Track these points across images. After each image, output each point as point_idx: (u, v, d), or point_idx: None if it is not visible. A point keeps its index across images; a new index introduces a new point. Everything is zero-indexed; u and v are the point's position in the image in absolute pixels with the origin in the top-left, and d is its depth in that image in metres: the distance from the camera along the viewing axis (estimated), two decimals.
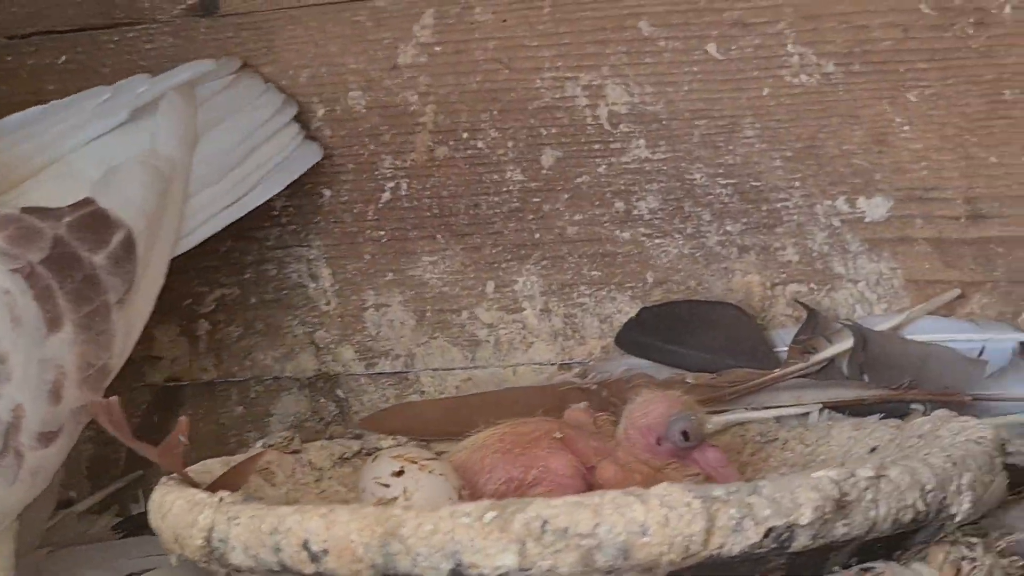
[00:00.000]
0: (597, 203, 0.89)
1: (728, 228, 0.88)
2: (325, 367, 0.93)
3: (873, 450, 0.75)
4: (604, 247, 0.89)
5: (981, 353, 0.82)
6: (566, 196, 0.90)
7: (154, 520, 0.65)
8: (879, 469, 0.57)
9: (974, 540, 0.60)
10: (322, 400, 0.93)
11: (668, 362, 0.87)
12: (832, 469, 0.56)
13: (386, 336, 0.93)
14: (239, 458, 0.75)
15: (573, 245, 0.90)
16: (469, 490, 0.73)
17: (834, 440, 0.78)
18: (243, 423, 0.94)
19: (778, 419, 0.83)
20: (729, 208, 0.87)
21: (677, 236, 0.88)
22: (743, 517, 0.54)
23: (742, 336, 0.86)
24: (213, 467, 0.74)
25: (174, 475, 0.68)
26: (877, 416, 0.82)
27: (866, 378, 0.83)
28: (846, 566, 0.59)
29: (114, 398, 0.67)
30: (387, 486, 0.70)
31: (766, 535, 0.54)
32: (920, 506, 0.58)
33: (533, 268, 0.90)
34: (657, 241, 0.89)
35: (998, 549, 0.61)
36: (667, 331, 0.87)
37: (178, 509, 0.62)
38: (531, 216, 0.90)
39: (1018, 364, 0.82)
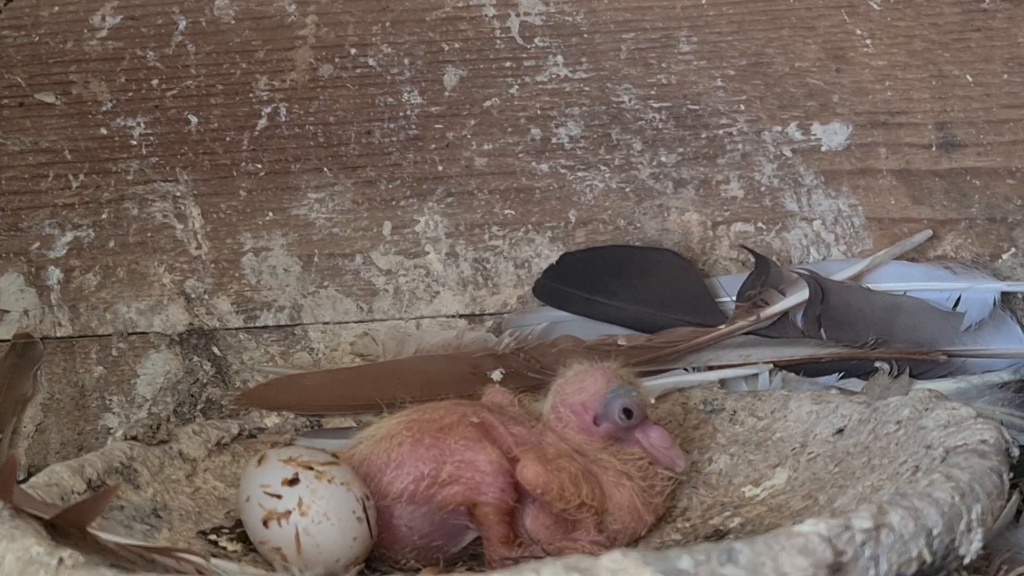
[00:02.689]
0: (510, 130, 0.78)
1: (662, 159, 0.76)
2: (198, 321, 0.81)
3: (840, 431, 0.65)
4: (519, 181, 0.78)
5: (957, 304, 0.72)
6: (473, 122, 0.78)
7: None
8: (878, 517, 0.46)
9: None
10: (196, 359, 0.81)
11: (594, 315, 0.76)
12: (820, 520, 0.45)
13: (268, 285, 0.80)
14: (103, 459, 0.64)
15: (483, 179, 0.78)
16: (372, 490, 0.62)
17: (792, 415, 0.68)
18: (105, 385, 0.82)
19: (723, 381, 0.73)
20: (663, 135, 0.76)
21: (603, 168, 0.77)
22: None
23: (681, 286, 0.75)
24: (61, 476, 0.62)
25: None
26: (836, 377, 0.72)
27: (824, 334, 0.73)
28: None
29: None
30: (278, 496, 0.59)
31: None
32: (926, 555, 0.47)
33: (437, 206, 0.79)
34: (580, 174, 0.77)
35: None
36: (593, 280, 0.76)
37: (10, 566, 0.50)
38: (433, 146, 0.78)
39: (998, 316, 0.73)
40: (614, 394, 0.64)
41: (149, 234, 0.81)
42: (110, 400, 0.82)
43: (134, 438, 0.68)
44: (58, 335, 0.82)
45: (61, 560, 0.49)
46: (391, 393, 0.69)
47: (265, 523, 0.59)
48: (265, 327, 0.81)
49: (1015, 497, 0.55)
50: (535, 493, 0.62)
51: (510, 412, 0.66)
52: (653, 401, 0.68)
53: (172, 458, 0.68)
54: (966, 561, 0.49)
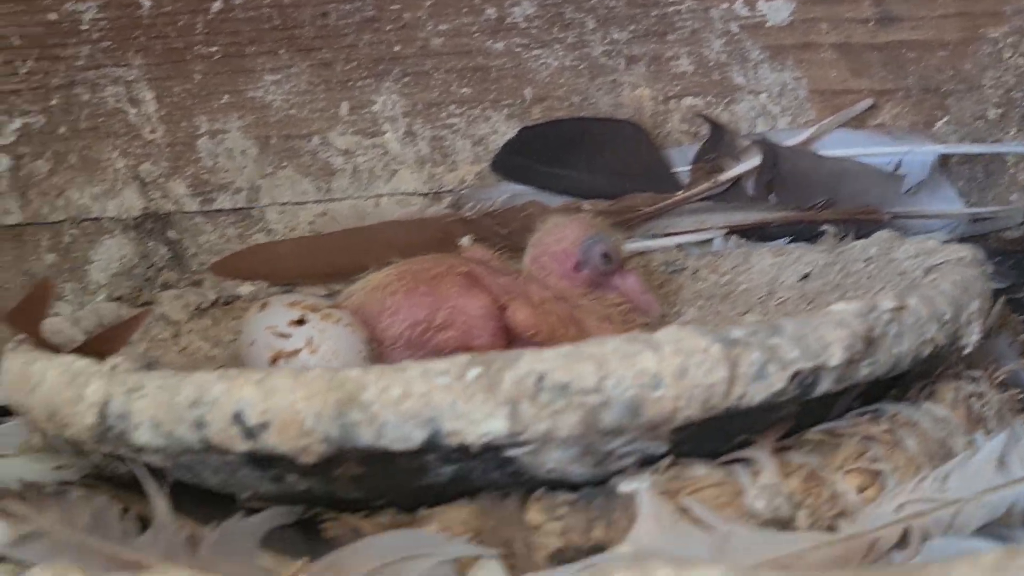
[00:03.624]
0: (465, 10, 0.79)
1: (615, 36, 0.79)
2: (154, 205, 0.81)
3: (806, 276, 0.68)
4: (475, 60, 0.80)
5: (898, 167, 0.76)
6: (429, 3, 0.79)
7: (15, 395, 0.53)
8: (899, 300, 0.49)
9: (976, 374, 0.54)
10: (151, 243, 0.81)
11: (553, 188, 0.78)
12: (850, 302, 0.48)
13: (224, 167, 0.81)
14: (96, 315, 0.64)
15: (439, 59, 0.80)
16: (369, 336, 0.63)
17: (754, 268, 0.71)
18: (56, 273, 0.82)
19: (680, 246, 0.76)
20: (615, 14, 0.79)
21: (557, 47, 0.79)
22: (767, 361, 0.46)
23: (638, 156, 0.78)
24: (60, 327, 0.62)
25: (25, 339, 0.56)
26: (785, 241, 0.76)
27: (775, 198, 0.76)
28: (848, 410, 0.52)
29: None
30: (286, 336, 0.60)
31: (791, 380, 0.46)
32: (940, 339, 0.51)
33: (394, 86, 0.80)
34: (535, 52, 0.79)
35: (997, 382, 0.55)
36: (552, 153, 0.78)
37: (53, 381, 0.51)
38: (389, 26, 0.80)
39: (935, 179, 0.77)
40: (593, 240, 0.67)
41: (101, 119, 0.81)
42: (62, 287, 0.82)
43: (118, 299, 0.69)
44: (7, 223, 0.82)
45: (114, 367, 0.49)
46: (363, 260, 0.71)
47: (273, 362, 0.60)
48: (221, 210, 0.81)
49: (999, 303, 0.59)
50: (526, 335, 0.64)
51: (492, 265, 0.68)
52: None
53: (156, 319, 0.69)
54: (965, 352, 0.53)
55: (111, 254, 0.81)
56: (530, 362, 0.45)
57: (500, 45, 0.79)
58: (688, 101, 0.79)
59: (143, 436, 0.47)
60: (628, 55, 0.79)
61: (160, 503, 0.48)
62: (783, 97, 0.79)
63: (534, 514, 0.46)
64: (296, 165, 0.81)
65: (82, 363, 0.50)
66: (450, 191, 0.80)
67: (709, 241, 0.76)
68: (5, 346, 0.56)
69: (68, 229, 0.82)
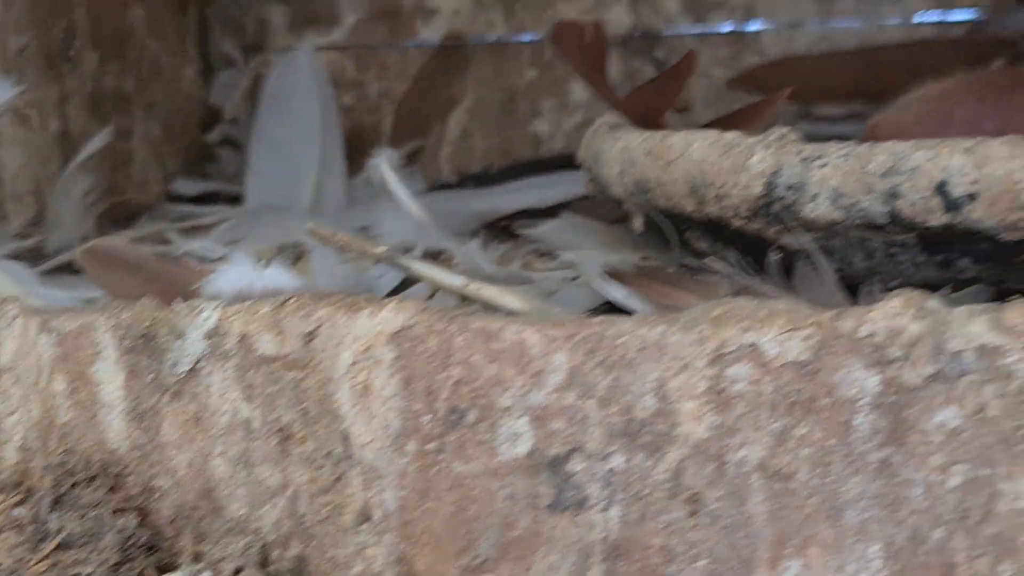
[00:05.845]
0: None
1: None
2: (643, 22, 0.79)
3: None
4: None
5: None
6: None
7: (648, 170, 0.51)
8: None
9: None
10: (637, 63, 0.79)
11: None
12: None
13: None
14: None
15: None
16: None
17: None
18: (536, 89, 0.80)
19: None
20: None
21: None
22: None
23: None
24: None
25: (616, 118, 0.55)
26: None
27: None
28: None
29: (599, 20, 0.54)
30: None
31: None
32: None
33: None
34: None
35: None
36: None
37: (703, 153, 0.49)
38: None
39: None
40: None
41: None
42: (541, 105, 0.80)
43: None
44: (489, 38, 0.80)
45: (781, 136, 0.47)
46: (885, 81, 0.68)
47: None
48: (710, 34, 0.79)
49: None
50: None
51: None
52: None
53: None
54: None
55: None
56: None
57: None
58: None
59: (818, 208, 0.45)
60: None
61: (829, 276, 0.46)
62: None
63: None
64: None
65: (733, 135, 0.49)
66: (963, 22, 0.76)
67: None
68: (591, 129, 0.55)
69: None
